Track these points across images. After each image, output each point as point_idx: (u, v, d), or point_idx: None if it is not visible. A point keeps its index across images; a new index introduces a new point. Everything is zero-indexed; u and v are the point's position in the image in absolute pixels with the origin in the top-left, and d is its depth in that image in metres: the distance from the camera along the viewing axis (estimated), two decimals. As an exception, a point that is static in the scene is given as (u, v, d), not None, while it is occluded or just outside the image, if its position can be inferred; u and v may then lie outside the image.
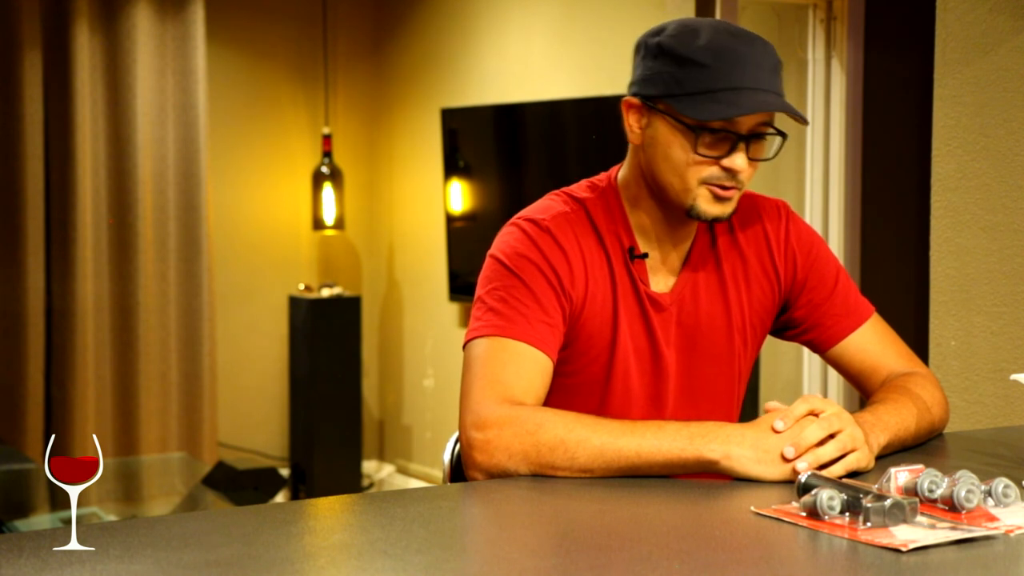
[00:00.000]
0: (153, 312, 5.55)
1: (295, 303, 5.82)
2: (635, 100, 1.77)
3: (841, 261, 4.37)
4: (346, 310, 5.77)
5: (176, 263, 5.60)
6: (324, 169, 5.96)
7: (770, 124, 1.74)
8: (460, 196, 5.54)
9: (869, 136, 4.41)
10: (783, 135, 1.77)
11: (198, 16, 5.55)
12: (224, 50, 5.87)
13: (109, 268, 5.48)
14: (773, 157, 1.77)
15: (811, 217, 4.46)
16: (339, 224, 6.00)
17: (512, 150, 5.42)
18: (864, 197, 4.44)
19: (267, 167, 6.02)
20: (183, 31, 5.55)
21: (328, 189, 5.95)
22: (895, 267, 4.41)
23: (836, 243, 4.41)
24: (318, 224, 6.00)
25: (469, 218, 5.52)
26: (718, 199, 1.75)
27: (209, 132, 5.64)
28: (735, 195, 1.76)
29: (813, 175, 4.46)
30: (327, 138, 6.00)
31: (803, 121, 1.73)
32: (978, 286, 2.68)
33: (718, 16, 4.01)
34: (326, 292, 5.81)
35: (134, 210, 5.47)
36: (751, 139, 1.72)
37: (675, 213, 1.80)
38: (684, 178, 1.74)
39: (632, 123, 1.79)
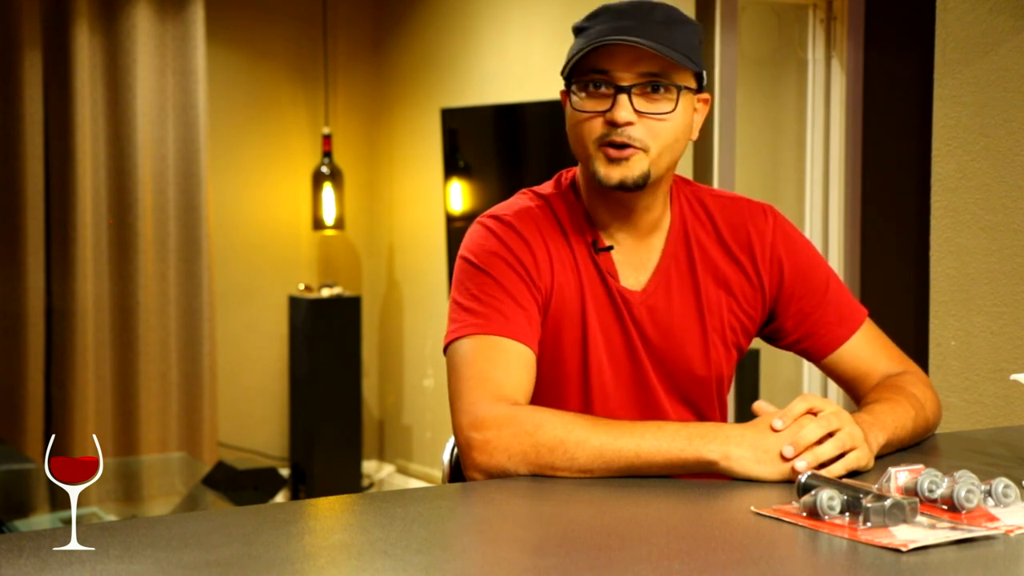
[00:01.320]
0: (153, 312, 5.55)
1: (295, 303, 5.82)
2: (564, 90, 1.81)
3: (841, 261, 4.38)
4: (346, 310, 5.78)
5: (176, 263, 5.60)
6: (324, 169, 5.96)
7: (661, 76, 1.72)
8: (460, 196, 5.54)
9: (869, 136, 4.42)
10: (677, 88, 1.73)
11: (198, 16, 5.55)
12: (224, 50, 5.87)
13: (109, 268, 5.49)
14: (672, 111, 1.72)
15: (811, 217, 4.46)
16: (339, 224, 6.00)
17: (512, 150, 5.42)
18: (864, 197, 4.44)
19: (267, 167, 6.02)
20: (183, 31, 5.55)
21: (328, 189, 5.95)
22: (895, 267, 4.41)
23: (836, 243, 4.41)
24: (318, 224, 6.00)
25: (469, 218, 5.52)
26: (611, 160, 1.72)
27: (209, 132, 5.64)
28: (633, 156, 1.72)
29: (813, 175, 4.46)
30: (327, 138, 6.00)
31: (683, 65, 1.70)
32: (978, 286, 2.68)
33: (718, 16, 4.01)
34: (326, 292, 5.81)
35: (134, 210, 5.47)
36: (636, 90, 1.71)
37: (615, 197, 1.79)
38: (582, 142, 1.76)
39: (566, 111, 1.82)
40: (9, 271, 5.37)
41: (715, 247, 1.87)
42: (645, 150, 1.72)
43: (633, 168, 1.73)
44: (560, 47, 5.14)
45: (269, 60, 6.01)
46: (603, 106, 1.72)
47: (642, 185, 1.74)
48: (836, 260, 4.41)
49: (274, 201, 6.04)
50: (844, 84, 4.37)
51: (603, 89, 1.72)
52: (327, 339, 5.71)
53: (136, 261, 5.49)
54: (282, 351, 6.02)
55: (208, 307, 5.65)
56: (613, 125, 1.71)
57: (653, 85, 1.72)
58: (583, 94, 1.74)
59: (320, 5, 6.06)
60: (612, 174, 1.73)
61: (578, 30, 1.77)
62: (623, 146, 1.72)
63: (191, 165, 5.58)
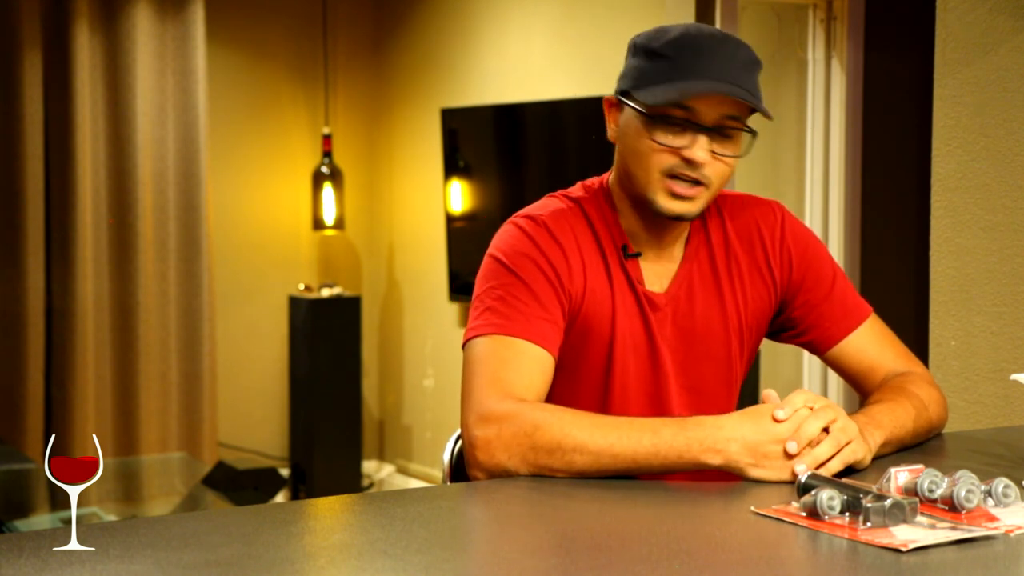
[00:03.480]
0: (153, 312, 5.55)
1: (295, 303, 5.82)
2: (612, 98, 1.82)
3: (841, 261, 4.38)
4: (346, 310, 5.77)
5: (176, 263, 5.60)
6: (324, 169, 5.96)
7: (738, 119, 1.74)
8: (460, 196, 5.54)
9: (869, 136, 4.42)
10: (752, 132, 1.76)
11: (198, 16, 5.55)
12: (224, 50, 5.87)
13: (109, 268, 5.49)
14: (743, 155, 1.76)
15: (811, 217, 4.46)
16: (339, 224, 6.00)
17: (512, 150, 5.42)
18: (864, 197, 4.44)
19: (267, 167, 6.02)
20: (183, 31, 5.55)
21: (328, 189, 5.95)
22: (895, 267, 4.41)
23: (836, 243, 4.41)
24: (318, 224, 6.00)
25: (469, 218, 5.52)
26: (676, 196, 1.75)
27: (209, 132, 5.64)
28: (699, 193, 1.75)
29: (813, 175, 4.46)
30: (327, 138, 6.00)
31: (766, 114, 1.74)
32: (978, 286, 2.68)
33: (718, 16, 4.02)
34: (326, 292, 5.81)
35: (134, 210, 5.47)
36: (714, 133, 1.73)
37: (647, 214, 1.81)
38: (647, 169, 1.76)
39: (610, 120, 1.84)
40: (9, 271, 5.37)
41: (729, 247, 1.89)
42: (708, 187, 1.75)
43: (694, 205, 1.76)
44: (560, 47, 5.15)
45: (269, 60, 6.01)
46: (679, 142, 1.73)
47: (696, 218, 1.80)
48: (836, 260, 4.40)
49: (274, 201, 6.04)
50: (844, 84, 4.36)
51: (679, 124, 1.72)
52: (327, 339, 5.71)
53: (136, 261, 5.49)
54: (282, 351, 6.02)
55: (208, 307, 5.64)
56: (688, 163, 1.73)
57: (727, 128, 1.73)
58: (658, 125, 1.73)
59: (320, 5, 6.06)
60: (673, 207, 1.76)
61: (653, 54, 1.74)
62: (693, 182, 1.74)
63: (191, 165, 5.58)
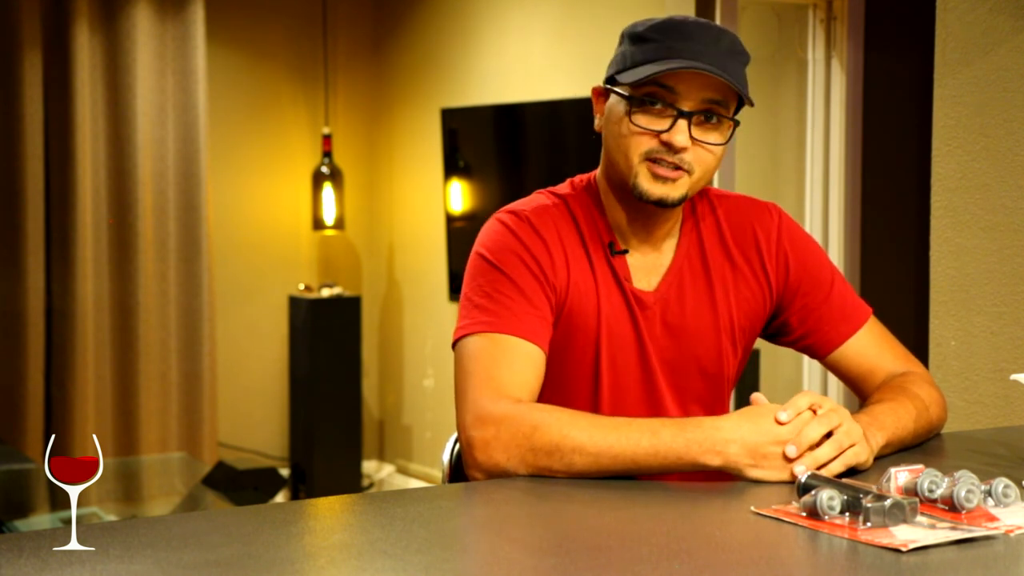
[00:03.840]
0: (153, 312, 5.55)
1: (295, 303, 5.82)
2: (599, 87, 1.82)
3: (841, 261, 4.38)
4: (346, 310, 5.78)
5: (176, 263, 5.60)
6: (324, 169, 5.96)
7: (720, 105, 1.73)
8: (460, 196, 5.54)
9: (869, 136, 4.42)
10: (734, 120, 1.76)
11: (198, 16, 5.56)
12: (224, 50, 5.88)
13: (109, 268, 5.49)
14: (725, 143, 1.75)
15: (811, 217, 4.47)
16: (339, 224, 6.00)
17: (512, 150, 5.42)
18: (864, 197, 4.44)
19: (267, 167, 6.02)
20: (183, 31, 5.55)
21: (328, 189, 5.95)
22: (895, 267, 4.41)
23: (836, 243, 4.42)
24: (318, 224, 6.00)
25: (469, 218, 5.52)
26: (657, 177, 1.73)
27: (209, 132, 5.64)
28: (680, 178, 1.73)
29: (813, 175, 4.46)
30: (327, 138, 6.00)
31: (747, 100, 1.73)
32: (978, 286, 2.68)
33: (718, 16, 4.02)
34: (326, 292, 5.81)
35: (134, 210, 5.48)
36: (694, 117, 1.72)
37: (638, 206, 1.80)
38: (627, 153, 1.75)
39: (597, 110, 1.83)
40: (9, 271, 5.38)
41: (724, 247, 1.88)
42: (690, 173, 1.74)
43: (677, 189, 1.74)
44: (560, 47, 5.15)
45: (269, 60, 6.01)
46: (660, 125, 1.72)
47: (677, 204, 1.77)
48: (836, 260, 4.41)
49: (274, 201, 6.04)
50: (844, 84, 4.37)
51: (660, 107, 1.72)
52: (327, 339, 5.71)
53: (136, 261, 5.49)
54: (282, 351, 6.02)
55: (208, 307, 5.64)
56: (668, 147, 1.72)
57: (708, 114, 1.72)
58: (639, 108, 1.73)
59: (320, 5, 6.06)
60: (654, 191, 1.74)
61: (637, 38, 1.75)
62: (673, 167, 1.73)
63: (191, 165, 5.58)
